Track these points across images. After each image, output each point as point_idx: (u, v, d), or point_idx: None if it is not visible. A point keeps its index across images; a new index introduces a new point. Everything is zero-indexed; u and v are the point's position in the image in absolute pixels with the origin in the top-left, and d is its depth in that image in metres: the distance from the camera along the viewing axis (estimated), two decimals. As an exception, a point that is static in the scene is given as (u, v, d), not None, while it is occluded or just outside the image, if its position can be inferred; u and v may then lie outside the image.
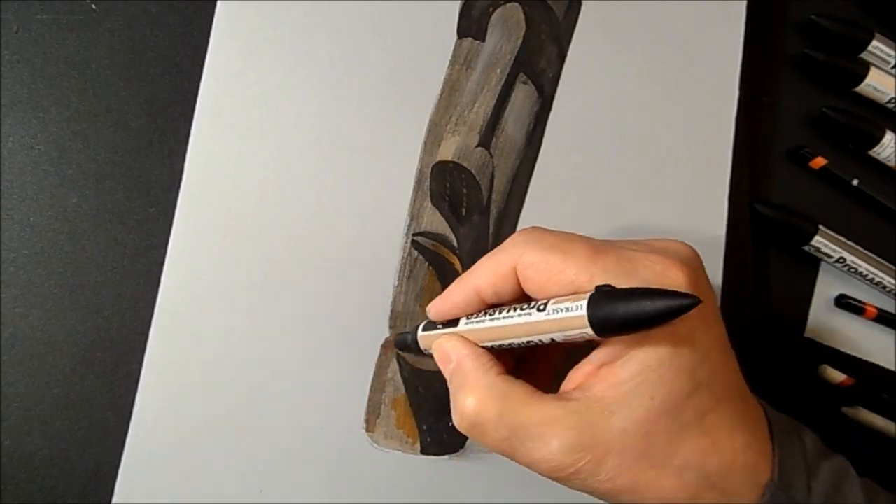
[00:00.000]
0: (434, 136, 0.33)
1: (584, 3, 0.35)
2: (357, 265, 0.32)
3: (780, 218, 0.37)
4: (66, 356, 0.32)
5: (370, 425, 0.32)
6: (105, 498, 0.32)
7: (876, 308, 0.38)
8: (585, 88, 0.35)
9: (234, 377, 0.31)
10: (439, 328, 0.28)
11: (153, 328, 0.31)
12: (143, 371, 0.31)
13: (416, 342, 0.29)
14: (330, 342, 0.32)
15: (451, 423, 0.30)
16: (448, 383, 0.27)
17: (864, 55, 0.38)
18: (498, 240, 0.34)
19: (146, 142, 0.33)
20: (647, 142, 0.35)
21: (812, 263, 0.38)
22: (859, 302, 0.38)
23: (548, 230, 0.25)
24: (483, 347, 0.26)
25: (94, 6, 0.33)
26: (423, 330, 0.29)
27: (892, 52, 0.38)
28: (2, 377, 0.32)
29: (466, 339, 0.26)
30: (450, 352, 0.26)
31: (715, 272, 0.35)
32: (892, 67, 0.38)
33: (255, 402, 0.31)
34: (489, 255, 0.26)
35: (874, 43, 0.37)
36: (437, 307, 0.28)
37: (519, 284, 0.25)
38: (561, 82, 0.35)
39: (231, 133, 0.32)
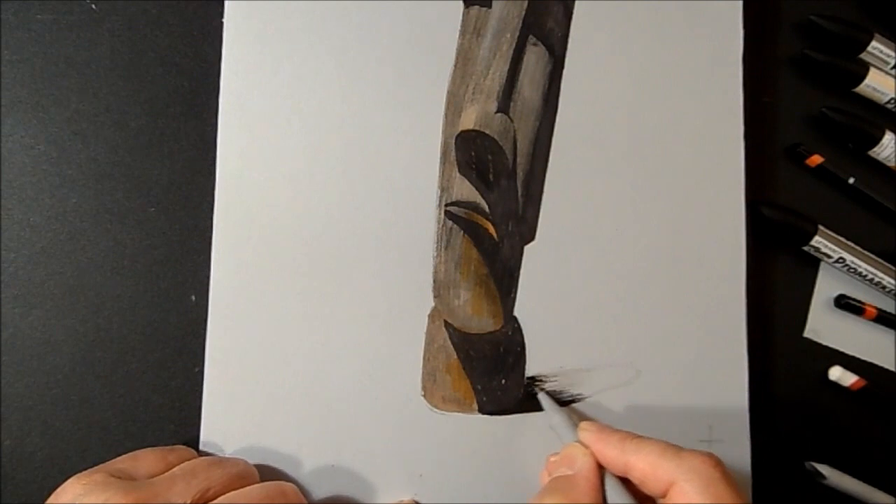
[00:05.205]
0: (454, 106, 0.34)
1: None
2: (395, 241, 0.33)
3: (780, 218, 0.37)
4: (66, 356, 0.32)
5: (428, 392, 0.33)
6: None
7: (876, 308, 0.38)
8: (595, 44, 0.35)
9: (291, 361, 0.33)
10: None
11: (209, 325, 0.32)
12: (207, 366, 0.32)
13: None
14: (379, 318, 0.33)
15: (503, 381, 0.33)
16: (549, 474, 0.29)
17: (863, 55, 0.38)
18: (528, 200, 0.34)
19: (146, 142, 0.33)
20: (660, 102, 0.36)
21: (812, 263, 0.38)
22: (859, 302, 0.38)
23: (727, 480, 0.25)
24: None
25: (94, 6, 0.33)
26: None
27: (891, 53, 0.38)
28: (2, 377, 0.32)
29: (598, 465, 0.28)
30: (577, 461, 0.28)
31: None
32: (892, 68, 0.38)
33: (316, 384, 0.33)
34: (663, 448, 0.26)
35: (874, 43, 0.37)
36: (591, 439, 0.29)
37: (662, 492, 0.26)
38: (570, 40, 0.35)
39: (255, 127, 0.33)
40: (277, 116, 0.33)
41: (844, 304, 0.38)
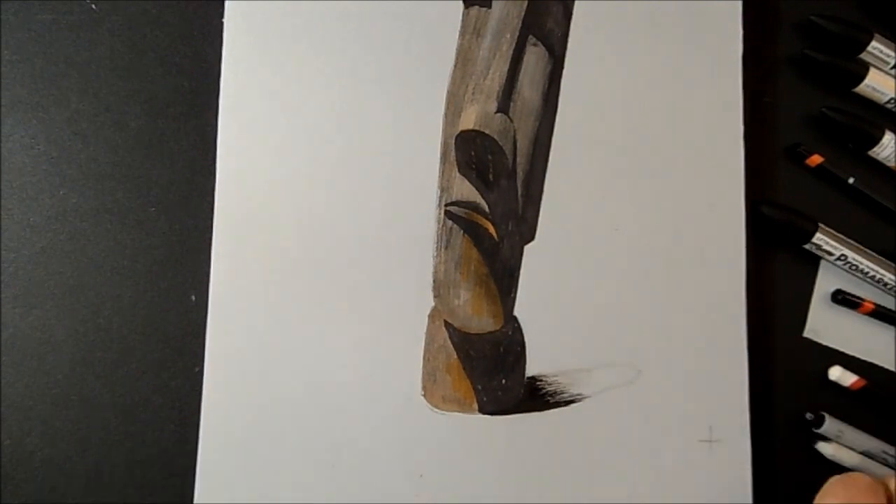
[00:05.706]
0: (453, 107, 0.34)
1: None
2: (395, 241, 0.33)
3: (781, 217, 0.37)
4: (66, 356, 0.32)
5: (428, 392, 0.33)
6: (105, 498, 0.32)
7: (873, 303, 0.38)
8: (595, 44, 0.35)
9: (291, 361, 0.33)
10: None
11: (209, 325, 0.32)
12: (206, 367, 0.32)
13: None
14: (379, 318, 0.33)
15: (503, 381, 0.34)
16: None
17: (863, 55, 0.38)
18: (528, 200, 0.34)
19: (146, 142, 0.33)
20: (660, 101, 0.36)
21: (812, 263, 0.38)
22: (857, 298, 0.38)
23: None
24: None
25: (94, 6, 0.33)
26: None
27: (891, 53, 0.38)
28: (2, 377, 0.32)
29: None
30: None
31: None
32: (892, 68, 0.38)
33: (315, 384, 0.33)
34: None
35: (873, 43, 0.37)
36: None
37: None
38: (570, 40, 0.35)
39: (255, 127, 0.33)
40: (277, 116, 0.33)
41: (841, 299, 0.38)
